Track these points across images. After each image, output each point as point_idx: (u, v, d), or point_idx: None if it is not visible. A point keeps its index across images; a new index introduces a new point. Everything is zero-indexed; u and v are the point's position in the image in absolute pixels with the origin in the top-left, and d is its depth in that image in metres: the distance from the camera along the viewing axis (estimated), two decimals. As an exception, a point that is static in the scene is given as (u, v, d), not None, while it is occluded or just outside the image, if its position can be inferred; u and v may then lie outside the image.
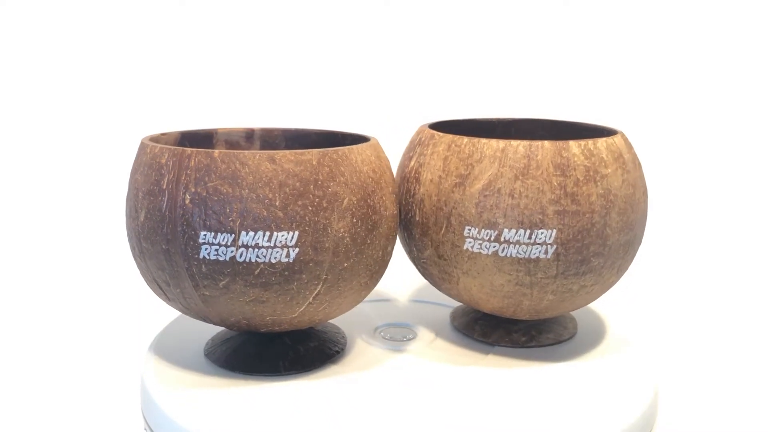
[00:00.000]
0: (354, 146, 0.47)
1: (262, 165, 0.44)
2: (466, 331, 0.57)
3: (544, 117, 0.63)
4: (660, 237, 0.86)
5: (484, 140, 0.48)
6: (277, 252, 0.44)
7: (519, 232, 0.47)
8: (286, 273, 0.44)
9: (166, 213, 0.44)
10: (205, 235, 0.44)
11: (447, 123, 0.59)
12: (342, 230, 0.45)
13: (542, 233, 0.47)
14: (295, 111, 1.02)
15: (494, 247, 0.48)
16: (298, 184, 0.44)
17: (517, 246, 0.47)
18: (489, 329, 0.56)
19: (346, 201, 0.45)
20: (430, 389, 0.48)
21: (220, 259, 0.44)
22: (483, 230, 0.48)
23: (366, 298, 0.64)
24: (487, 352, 0.54)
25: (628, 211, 0.49)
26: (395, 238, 0.51)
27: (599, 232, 0.48)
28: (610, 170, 0.48)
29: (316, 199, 0.44)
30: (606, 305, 0.62)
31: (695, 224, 0.95)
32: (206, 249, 0.44)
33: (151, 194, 0.45)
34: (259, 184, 0.43)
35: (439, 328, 0.59)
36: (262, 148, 0.59)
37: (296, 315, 0.47)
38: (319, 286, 0.46)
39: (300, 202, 0.44)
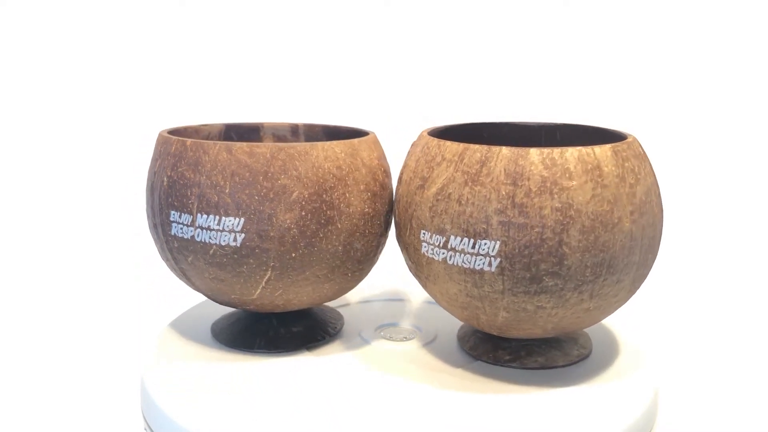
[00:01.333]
0: (318, 143, 0.49)
1: (220, 154, 0.48)
2: (461, 342, 0.55)
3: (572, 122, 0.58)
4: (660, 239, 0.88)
5: (448, 143, 0.47)
6: (226, 236, 0.48)
7: (464, 240, 0.45)
8: (236, 256, 0.48)
9: (154, 193, 0.51)
10: (173, 214, 0.49)
11: (468, 126, 0.58)
12: (288, 221, 0.47)
13: (485, 244, 0.44)
14: (346, 109, 1.01)
15: (443, 254, 0.46)
16: (247, 174, 0.47)
17: (463, 255, 0.45)
18: (480, 342, 0.53)
19: (295, 194, 0.47)
20: (385, 389, 0.48)
21: (185, 237, 0.49)
22: (434, 235, 0.46)
23: (378, 298, 0.65)
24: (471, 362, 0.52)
25: (598, 230, 0.43)
26: (372, 235, 0.51)
27: (552, 250, 0.43)
28: (575, 183, 0.43)
29: (264, 190, 0.47)
30: None
31: (694, 225, 0.94)
32: (175, 227, 0.49)
33: (149, 176, 0.52)
34: (214, 172, 0.47)
35: (442, 333, 0.57)
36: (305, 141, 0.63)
37: (256, 297, 0.50)
38: (269, 273, 0.48)
39: (247, 191, 0.47)
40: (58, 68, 1.02)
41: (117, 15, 1.02)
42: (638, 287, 0.49)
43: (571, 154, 0.44)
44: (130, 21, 1.02)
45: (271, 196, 0.47)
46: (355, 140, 0.51)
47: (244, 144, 0.48)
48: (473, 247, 0.44)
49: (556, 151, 0.44)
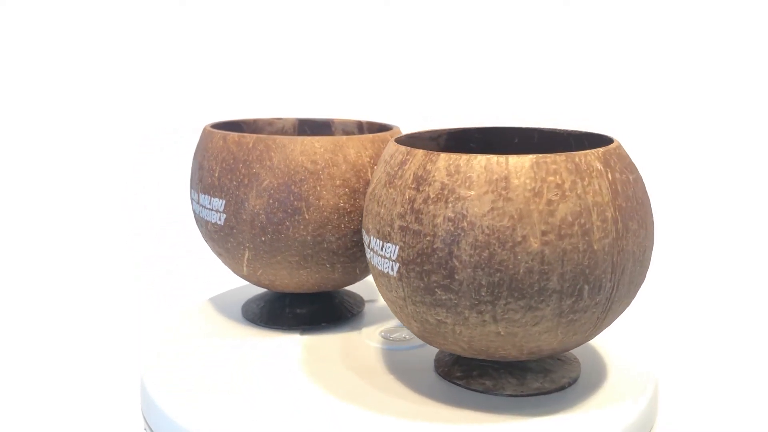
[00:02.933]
0: (299, 137, 0.52)
1: (218, 142, 0.54)
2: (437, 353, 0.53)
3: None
4: (659, 239, 0.80)
5: (393, 144, 0.46)
6: (214, 214, 0.54)
7: (377, 242, 0.44)
8: (222, 234, 0.54)
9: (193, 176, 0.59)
10: (192, 192, 0.57)
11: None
12: (258, 207, 0.51)
13: (389, 247, 0.43)
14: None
15: (369, 254, 0.46)
16: (231, 161, 0.52)
17: (377, 256, 0.44)
18: (440, 355, 0.51)
19: (266, 182, 0.51)
20: (373, 390, 0.49)
21: (196, 212, 0.56)
22: (365, 235, 0.46)
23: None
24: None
25: (494, 246, 0.39)
26: (348, 230, 0.52)
27: (442, 262, 0.40)
28: (473, 193, 0.40)
29: (240, 176, 0.52)
30: None
31: (694, 225, 0.92)
32: (193, 204, 0.57)
33: (197, 159, 0.61)
34: (211, 157, 0.54)
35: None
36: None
37: (245, 274, 0.55)
38: (246, 253, 0.53)
39: (229, 176, 0.52)
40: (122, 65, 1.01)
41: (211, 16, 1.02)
42: (593, 319, 0.42)
43: (479, 162, 0.40)
44: (223, 21, 1.02)
45: (246, 182, 0.52)
46: (343, 137, 0.53)
47: (237, 134, 0.53)
48: (382, 249, 0.44)
49: (464, 158, 0.41)
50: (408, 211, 0.42)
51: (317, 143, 0.52)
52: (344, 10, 1.03)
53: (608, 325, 0.45)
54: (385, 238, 0.43)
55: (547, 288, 0.40)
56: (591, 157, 0.41)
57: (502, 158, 0.40)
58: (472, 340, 0.43)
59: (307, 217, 0.51)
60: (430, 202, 0.41)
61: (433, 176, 0.41)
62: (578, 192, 0.40)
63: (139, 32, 0.93)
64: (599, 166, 0.41)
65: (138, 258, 0.84)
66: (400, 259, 0.42)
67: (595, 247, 0.40)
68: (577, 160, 0.41)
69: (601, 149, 0.42)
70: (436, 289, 0.41)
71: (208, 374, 0.50)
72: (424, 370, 0.51)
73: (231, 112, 0.77)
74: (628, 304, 0.45)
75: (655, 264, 0.88)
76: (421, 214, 0.41)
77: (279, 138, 0.52)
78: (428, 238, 0.41)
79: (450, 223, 0.40)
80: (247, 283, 0.66)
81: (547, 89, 1.00)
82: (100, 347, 0.77)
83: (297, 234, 0.52)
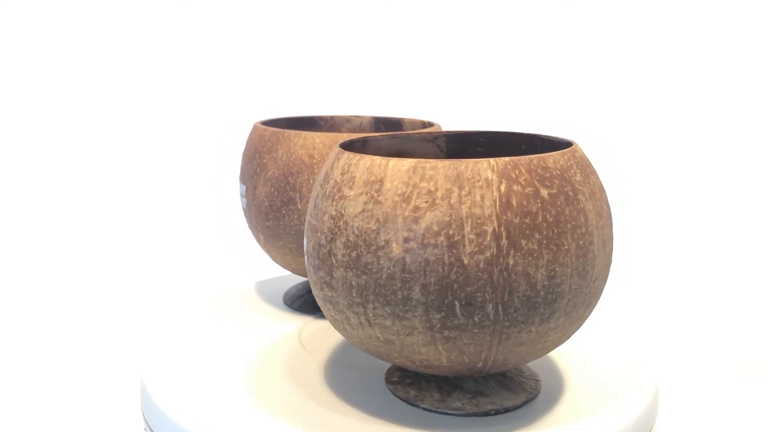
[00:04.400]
0: (303, 132, 0.55)
1: (252, 135, 0.59)
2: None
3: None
4: (659, 240, 0.87)
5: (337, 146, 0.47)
6: (242, 199, 0.59)
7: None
8: (246, 217, 0.59)
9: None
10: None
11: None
12: (263, 194, 0.56)
13: (305, 240, 0.45)
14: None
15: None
16: (253, 151, 0.58)
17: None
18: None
19: (270, 173, 0.55)
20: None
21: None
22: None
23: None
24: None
25: (361, 248, 0.39)
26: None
27: (325, 258, 0.41)
28: (352, 193, 0.40)
29: (255, 165, 0.57)
30: (604, 305, 0.62)
31: (694, 226, 0.90)
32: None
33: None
34: (245, 149, 0.60)
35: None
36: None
37: (271, 256, 0.60)
38: (261, 236, 0.58)
39: (249, 165, 0.58)
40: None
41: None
42: (484, 341, 0.39)
43: (364, 163, 0.40)
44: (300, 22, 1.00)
45: (258, 171, 0.57)
46: (344, 134, 0.54)
47: (262, 127, 0.58)
48: (305, 243, 0.45)
49: (356, 158, 0.41)
50: (313, 206, 0.43)
51: (318, 138, 0.54)
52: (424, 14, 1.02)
53: (534, 350, 0.41)
54: (304, 231, 0.45)
55: (411, 298, 0.38)
56: (482, 165, 0.38)
57: (384, 161, 0.39)
58: (362, 342, 0.42)
59: (299, 207, 0.54)
60: (325, 198, 0.42)
61: (334, 173, 0.42)
62: (451, 201, 0.37)
63: (232, 31, 0.93)
64: (490, 176, 0.38)
65: (138, 258, 0.85)
66: (306, 253, 0.44)
67: (465, 262, 0.37)
68: (462, 167, 0.38)
69: (502, 159, 0.38)
70: (323, 285, 0.42)
71: (208, 374, 0.50)
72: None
73: (311, 108, 0.79)
74: (558, 330, 0.40)
75: (654, 265, 0.86)
76: (318, 209, 0.42)
77: (287, 132, 0.56)
78: (318, 233, 0.42)
79: (332, 221, 0.41)
80: (244, 285, 0.68)
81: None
82: (100, 347, 0.76)
83: (291, 222, 0.55)
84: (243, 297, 0.66)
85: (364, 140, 0.50)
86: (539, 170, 0.39)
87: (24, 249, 0.87)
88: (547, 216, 0.38)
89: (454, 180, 0.38)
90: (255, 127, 0.59)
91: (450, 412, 0.44)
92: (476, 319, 0.38)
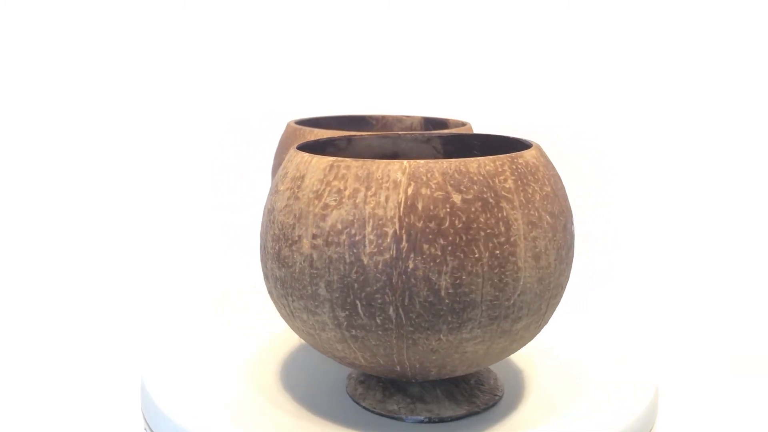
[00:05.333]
0: (317, 130, 0.57)
1: (286, 132, 0.62)
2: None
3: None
4: (658, 239, 0.86)
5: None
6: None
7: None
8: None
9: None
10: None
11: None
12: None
13: (266, 232, 0.47)
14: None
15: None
16: (285, 146, 0.61)
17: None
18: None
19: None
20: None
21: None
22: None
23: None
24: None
25: (281, 242, 0.40)
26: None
27: (261, 250, 0.43)
28: (282, 188, 0.41)
29: (280, 160, 0.60)
30: (604, 305, 0.65)
31: (692, 225, 0.89)
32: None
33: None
34: (279, 147, 0.63)
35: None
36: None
37: None
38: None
39: (278, 158, 0.61)
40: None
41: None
42: (389, 343, 0.39)
43: (295, 159, 0.41)
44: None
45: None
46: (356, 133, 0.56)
47: (293, 126, 0.61)
48: (270, 233, 0.48)
49: (295, 155, 0.42)
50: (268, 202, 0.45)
51: (330, 135, 0.56)
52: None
53: (455, 360, 0.40)
54: (268, 223, 0.47)
55: (319, 294, 0.39)
56: (394, 167, 0.38)
57: (309, 158, 0.41)
58: (296, 332, 0.44)
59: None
60: (272, 192, 0.44)
61: (285, 170, 0.44)
62: (356, 201, 0.38)
63: (283, 31, 0.89)
64: (399, 177, 0.38)
65: (138, 258, 0.85)
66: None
67: (365, 262, 0.37)
68: (374, 168, 0.38)
69: (417, 161, 0.38)
70: (267, 275, 0.44)
71: (208, 374, 0.51)
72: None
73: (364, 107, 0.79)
74: (476, 341, 0.39)
75: (654, 265, 0.84)
76: (268, 204, 0.44)
77: (306, 129, 0.58)
78: (263, 227, 0.44)
79: (268, 215, 0.42)
80: (244, 285, 0.68)
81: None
82: (100, 347, 0.76)
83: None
84: (243, 297, 0.66)
85: (348, 139, 0.51)
86: (456, 174, 0.38)
87: (24, 248, 0.86)
88: (456, 222, 0.37)
89: (363, 180, 0.38)
90: (288, 125, 0.62)
91: (384, 413, 0.44)
92: (378, 321, 0.38)
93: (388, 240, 0.37)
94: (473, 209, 0.37)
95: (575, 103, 0.85)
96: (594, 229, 0.85)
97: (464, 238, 0.37)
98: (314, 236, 0.39)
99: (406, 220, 0.37)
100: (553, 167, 0.44)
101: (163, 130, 0.83)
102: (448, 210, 0.37)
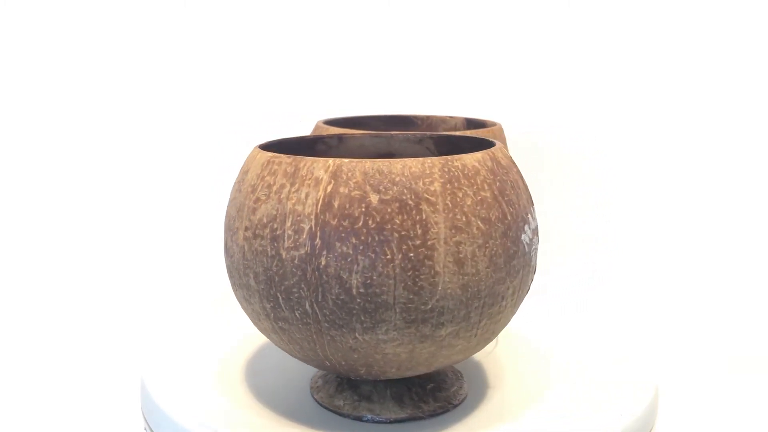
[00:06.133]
0: (343, 129, 0.58)
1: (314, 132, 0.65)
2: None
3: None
4: (658, 239, 0.85)
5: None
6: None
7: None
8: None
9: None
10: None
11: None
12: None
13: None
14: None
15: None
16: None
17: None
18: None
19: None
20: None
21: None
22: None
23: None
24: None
25: (228, 231, 0.42)
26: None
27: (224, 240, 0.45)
28: (235, 181, 0.43)
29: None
30: (604, 305, 0.64)
31: (692, 224, 0.88)
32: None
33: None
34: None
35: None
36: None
37: None
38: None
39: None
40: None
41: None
42: (308, 338, 0.40)
43: (250, 153, 0.43)
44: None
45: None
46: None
47: (322, 125, 0.63)
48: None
49: (261, 154, 0.44)
50: (240, 193, 0.47)
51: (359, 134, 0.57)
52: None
53: (378, 361, 0.40)
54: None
55: (250, 285, 0.41)
56: (318, 164, 0.39)
57: (255, 152, 0.42)
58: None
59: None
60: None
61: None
62: (281, 196, 0.39)
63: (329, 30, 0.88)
64: (321, 175, 0.38)
65: (139, 258, 0.84)
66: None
67: (283, 256, 0.38)
68: (301, 165, 0.39)
69: (342, 160, 0.38)
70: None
71: (208, 374, 0.51)
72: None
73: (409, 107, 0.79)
74: (395, 344, 0.38)
75: (654, 265, 0.84)
76: (233, 196, 0.46)
77: (333, 129, 0.59)
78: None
79: (227, 207, 0.45)
80: None
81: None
82: (100, 347, 0.76)
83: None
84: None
85: (340, 137, 0.52)
86: (377, 175, 0.38)
87: (24, 248, 0.86)
88: (369, 222, 0.37)
89: (289, 176, 0.39)
90: (317, 127, 0.64)
91: (329, 408, 0.45)
92: (298, 315, 0.39)
93: (304, 236, 0.38)
94: (389, 210, 0.37)
95: (575, 103, 0.84)
96: (594, 229, 0.84)
97: (377, 238, 0.37)
98: (246, 228, 0.40)
99: (322, 217, 0.38)
100: (510, 172, 0.42)
101: (178, 128, 0.84)
102: (363, 210, 0.37)
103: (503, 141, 0.62)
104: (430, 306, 0.38)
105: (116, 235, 0.84)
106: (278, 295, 0.39)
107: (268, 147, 0.46)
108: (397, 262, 0.37)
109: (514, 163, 0.44)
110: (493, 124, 0.64)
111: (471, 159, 0.40)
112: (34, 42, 0.83)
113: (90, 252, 0.86)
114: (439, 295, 0.38)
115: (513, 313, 0.43)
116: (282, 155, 0.40)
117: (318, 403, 0.46)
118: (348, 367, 0.41)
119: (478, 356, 0.55)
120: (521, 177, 0.43)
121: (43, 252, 0.86)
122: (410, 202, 0.37)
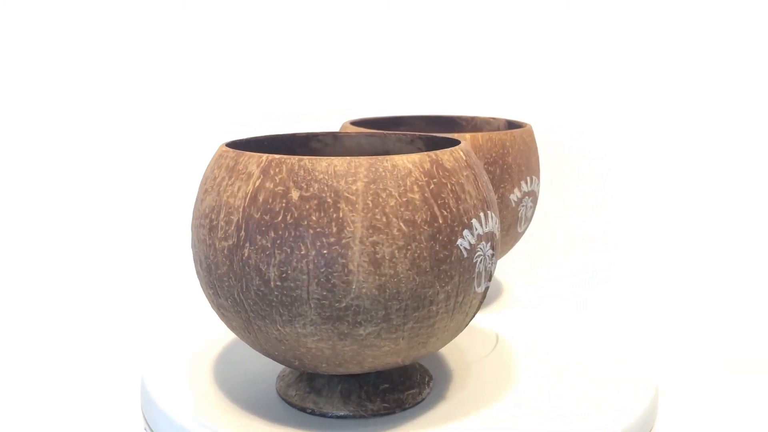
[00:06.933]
0: (368, 130, 0.59)
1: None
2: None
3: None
4: (658, 239, 0.86)
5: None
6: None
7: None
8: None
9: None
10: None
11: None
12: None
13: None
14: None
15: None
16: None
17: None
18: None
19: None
20: None
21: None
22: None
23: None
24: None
25: (192, 220, 0.45)
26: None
27: (202, 228, 0.48)
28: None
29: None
30: (604, 305, 0.63)
31: (692, 224, 0.90)
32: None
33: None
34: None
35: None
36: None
37: None
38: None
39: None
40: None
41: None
42: (243, 325, 0.41)
43: (223, 148, 0.46)
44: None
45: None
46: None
47: (351, 125, 0.64)
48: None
49: (224, 149, 0.46)
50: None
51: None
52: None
53: (302, 355, 0.41)
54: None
55: (200, 271, 0.43)
56: (253, 159, 0.40)
57: (220, 147, 0.44)
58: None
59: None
60: (217, 178, 0.48)
61: (226, 158, 0.48)
62: (220, 189, 0.41)
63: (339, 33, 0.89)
64: (254, 170, 0.40)
65: (138, 258, 0.85)
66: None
67: (216, 246, 0.40)
68: (240, 159, 0.41)
69: (273, 156, 0.39)
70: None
71: (208, 374, 0.51)
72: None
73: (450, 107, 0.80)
74: (315, 338, 0.39)
75: (655, 264, 0.85)
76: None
77: (360, 129, 0.61)
78: (209, 207, 0.49)
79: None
80: None
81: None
82: (100, 347, 0.76)
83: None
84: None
85: (335, 135, 0.53)
86: (301, 172, 0.39)
87: (24, 247, 0.85)
88: (288, 217, 0.38)
89: (229, 170, 0.41)
90: (343, 127, 0.65)
91: (283, 397, 0.46)
92: (230, 303, 0.41)
93: (233, 228, 0.40)
94: (307, 207, 0.38)
95: (575, 103, 0.83)
96: (594, 229, 0.84)
97: (293, 233, 0.38)
98: (195, 218, 0.43)
99: (248, 210, 0.39)
100: (456, 175, 0.41)
101: (193, 126, 0.85)
102: (284, 205, 0.38)
103: (531, 142, 0.60)
104: (344, 304, 0.38)
105: (116, 235, 0.84)
106: (215, 282, 0.41)
107: (260, 142, 0.48)
108: (310, 258, 0.38)
109: (470, 166, 0.42)
110: (522, 125, 0.62)
111: (404, 160, 0.39)
112: (28, 40, 0.84)
113: (90, 252, 0.87)
114: (354, 294, 0.38)
115: (457, 320, 0.42)
116: (230, 150, 0.42)
117: (276, 392, 0.47)
118: (282, 358, 0.42)
119: (477, 355, 0.54)
120: (476, 182, 0.42)
121: (43, 252, 0.86)
122: (329, 200, 0.38)
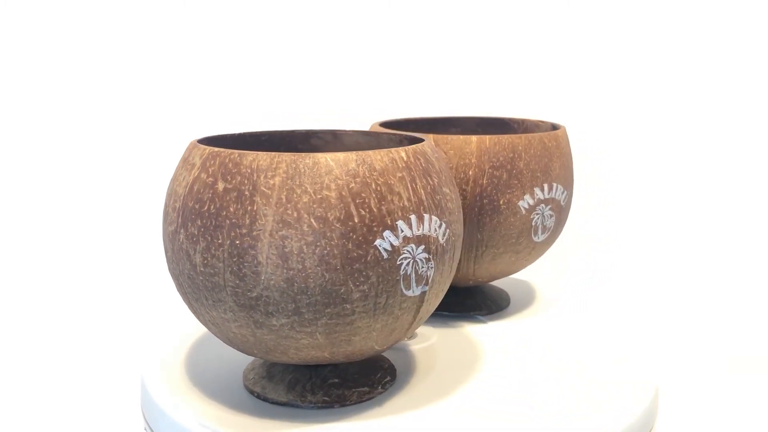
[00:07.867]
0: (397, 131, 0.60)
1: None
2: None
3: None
4: (658, 239, 0.87)
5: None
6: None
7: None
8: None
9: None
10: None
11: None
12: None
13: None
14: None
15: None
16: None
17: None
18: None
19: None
20: None
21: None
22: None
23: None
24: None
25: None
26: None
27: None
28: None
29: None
30: (604, 305, 0.62)
31: (693, 224, 0.89)
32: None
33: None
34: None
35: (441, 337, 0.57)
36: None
37: None
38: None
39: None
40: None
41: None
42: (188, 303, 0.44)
43: (192, 144, 0.49)
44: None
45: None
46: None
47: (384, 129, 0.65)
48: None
49: (207, 148, 0.49)
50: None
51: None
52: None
53: (234, 337, 0.42)
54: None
55: (166, 251, 0.46)
56: (196, 152, 0.43)
57: (193, 142, 0.47)
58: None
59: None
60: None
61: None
62: (176, 181, 0.44)
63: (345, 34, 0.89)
64: (197, 162, 0.42)
65: (139, 258, 0.84)
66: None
67: (165, 231, 0.44)
68: (193, 152, 0.43)
69: (212, 149, 0.42)
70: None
71: (208, 374, 0.51)
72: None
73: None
74: (236, 324, 0.41)
75: (655, 264, 0.86)
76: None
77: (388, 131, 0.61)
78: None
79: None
80: None
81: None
82: (100, 347, 0.76)
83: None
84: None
85: (334, 134, 0.54)
86: (230, 165, 0.40)
87: (24, 247, 0.84)
88: (212, 207, 0.40)
89: (184, 161, 0.44)
90: (372, 128, 0.65)
91: (243, 381, 0.48)
92: (178, 283, 0.44)
93: (174, 214, 0.42)
94: (228, 198, 0.40)
95: (576, 103, 0.82)
96: (595, 229, 0.84)
97: (213, 223, 0.40)
98: (164, 206, 0.46)
99: (186, 199, 0.42)
100: (386, 176, 0.40)
101: (194, 127, 0.84)
102: (210, 196, 0.40)
103: (554, 147, 0.57)
104: (255, 294, 0.39)
105: (117, 235, 0.84)
106: (169, 264, 0.45)
107: (258, 137, 0.51)
108: (225, 247, 0.39)
109: (410, 167, 0.41)
110: (557, 127, 0.59)
111: (327, 158, 0.40)
112: (28, 40, 0.86)
113: (90, 252, 0.86)
114: (263, 285, 0.39)
115: (384, 321, 0.41)
116: (201, 146, 0.45)
117: (244, 375, 0.50)
118: (225, 340, 0.44)
119: (475, 355, 0.53)
120: (413, 184, 0.41)
121: (43, 252, 0.86)
122: (246, 193, 0.39)
